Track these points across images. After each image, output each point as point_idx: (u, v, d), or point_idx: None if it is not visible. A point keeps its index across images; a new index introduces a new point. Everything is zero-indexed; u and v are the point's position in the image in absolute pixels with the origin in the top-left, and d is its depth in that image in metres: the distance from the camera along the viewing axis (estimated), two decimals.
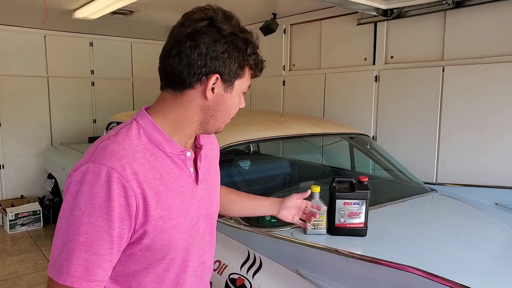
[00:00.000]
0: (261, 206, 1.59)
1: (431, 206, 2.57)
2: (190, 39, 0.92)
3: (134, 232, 0.92)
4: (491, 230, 2.25)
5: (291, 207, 1.64)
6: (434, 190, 2.73)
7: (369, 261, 1.38)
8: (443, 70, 3.20)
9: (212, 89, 0.96)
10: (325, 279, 1.53)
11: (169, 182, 0.96)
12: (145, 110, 1.01)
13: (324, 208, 1.81)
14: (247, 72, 1.00)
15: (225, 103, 0.99)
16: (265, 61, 1.04)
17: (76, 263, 0.86)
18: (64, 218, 0.88)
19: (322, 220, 1.81)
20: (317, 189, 1.78)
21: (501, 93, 2.91)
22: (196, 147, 1.09)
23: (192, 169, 1.03)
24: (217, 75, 0.95)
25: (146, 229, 0.92)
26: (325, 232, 1.84)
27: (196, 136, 1.09)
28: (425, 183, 2.84)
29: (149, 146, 0.95)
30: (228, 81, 0.97)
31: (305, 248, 1.67)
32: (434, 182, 3.10)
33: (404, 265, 1.33)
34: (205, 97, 0.97)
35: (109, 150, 0.90)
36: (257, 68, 1.02)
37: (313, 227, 1.81)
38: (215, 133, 1.07)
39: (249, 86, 1.04)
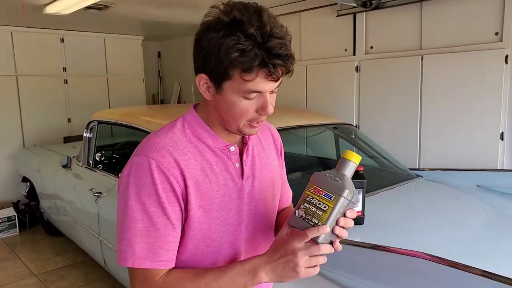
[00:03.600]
0: None
1: (419, 192, 2.65)
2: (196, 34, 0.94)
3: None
4: (477, 211, 2.37)
5: None
6: (420, 175, 2.82)
7: (377, 248, 1.41)
8: (422, 59, 3.28)
9: (208, 88, 0.95)
10: (329, 268, 1.55)
11: (210, 174, 0.98)
12: (194, 106, 1.05)
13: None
14: (238, 74, 0.87)
15: (222, 104, 0.94)
16: (284, 57, 0.87)
17: (139, 247, 0.92)
18: (121, 210, 0.95)
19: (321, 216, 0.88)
20: (353, 157, 0.92)
21: (478, 80, 3.02)
22: (243, 143, 1.08)
23: (238, 164, 1.03)
24: (204, 75, 0.93)
25: (188, 217, 0.96)
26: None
27: None
28: (410, 169, 2.93)
29: (193, 139, 1.00)
30: (215, 82, 0.92)
31: None
32: (417, 167, 3.19)
33: (412, 250, 1.36)
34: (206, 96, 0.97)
35: (150, 143, 0.97)
36: (255, 69, 0.86)
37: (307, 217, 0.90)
38: (241, 134, 1.01)
39: (268, 90, 0.91)
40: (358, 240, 1.76)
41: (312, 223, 0.88)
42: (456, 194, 2.55)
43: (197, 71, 0.94)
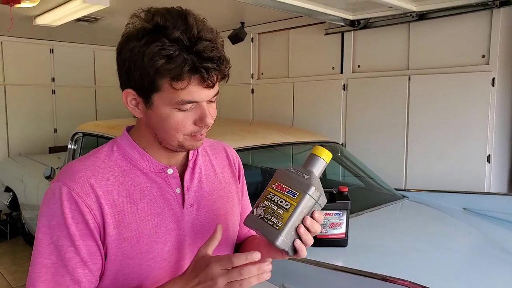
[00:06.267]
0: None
1: (405, 214, 2.63)
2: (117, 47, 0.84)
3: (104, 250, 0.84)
4: (463, 235, 2.34)
5: None
6: (405, 196, 2.80)
7: (360, 274, 1.38)
8: (409, 79, 3.30)
9: (137, 104, 0.85)
10: None
11: (140, 201, 0.86)
12: (127, 129, 0.94)
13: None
14: (168, 84, 0.78)
15: (155, 120, 0.84)
16: (217, 60, 0.78)
17: (43, 287, 0.79)
18: (34, 243, 0.83)
19: (282, 215, 0.79)
20: (322, 154, 0.83)
21: (465, 102, 3.03)
22: (187, 164, 0.95)
23: (178, 190, 0.90)
24: (130, 90, 0.83)
25: (108, 251, 0.83)
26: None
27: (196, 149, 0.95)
28: (396, 189, 2.91)
29: (121, 162, 0.88)
30: (144, 96, 0.82)
31: (290, 262, 1.65)
32: (403, 188, 3.17)
33: (399, 278, 1.34)
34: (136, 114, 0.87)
35: (69, 167, 0.86)
36: (186, 76, 0.77)
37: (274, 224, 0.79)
38: (185, 149, 0.88)
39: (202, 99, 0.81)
40: (341, 264, 1.74)
41: (271, 223, 0.77)
42: (442, 217, 2.53)
43: (123, 86, 0.85)
